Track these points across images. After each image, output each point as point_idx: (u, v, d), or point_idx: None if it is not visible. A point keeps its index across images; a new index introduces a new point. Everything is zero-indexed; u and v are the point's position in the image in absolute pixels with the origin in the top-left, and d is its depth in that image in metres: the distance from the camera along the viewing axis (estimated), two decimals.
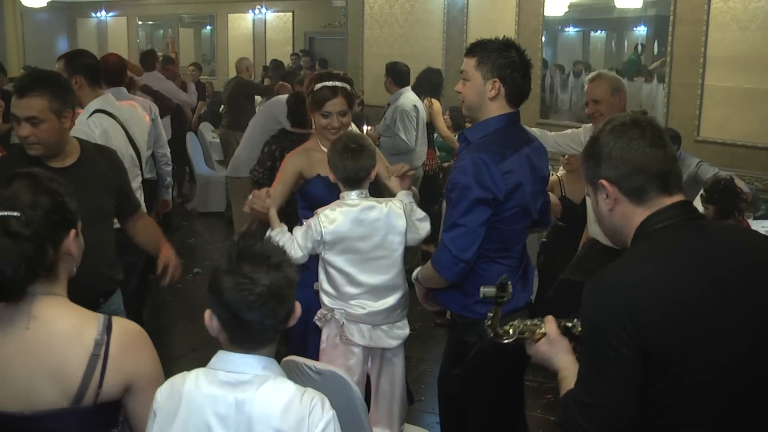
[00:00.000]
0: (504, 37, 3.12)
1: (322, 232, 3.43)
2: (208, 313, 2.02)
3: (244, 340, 2.02)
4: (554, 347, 2.19)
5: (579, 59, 9.23)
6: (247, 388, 1.99)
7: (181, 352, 5.50)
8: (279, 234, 3.48)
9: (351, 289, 3.51)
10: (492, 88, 3.03)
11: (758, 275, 1.93)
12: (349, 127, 4.00)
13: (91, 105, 4.49)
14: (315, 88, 3.83)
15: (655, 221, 1.95)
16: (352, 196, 3.49)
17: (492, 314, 2.28)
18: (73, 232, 2.15)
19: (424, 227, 3.60)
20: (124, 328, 2.10)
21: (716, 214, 4.34)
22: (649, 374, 1.85)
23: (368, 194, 3.53)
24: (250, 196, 3.64)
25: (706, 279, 1.87)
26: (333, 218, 3.45)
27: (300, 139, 5.56)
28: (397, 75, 7.08)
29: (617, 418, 1.88)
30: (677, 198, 1.98)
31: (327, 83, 3.83)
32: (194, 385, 2.04)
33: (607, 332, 1.85)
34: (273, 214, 3.56)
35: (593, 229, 4.48)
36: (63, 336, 2.02)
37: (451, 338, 3.33)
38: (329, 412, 2.02)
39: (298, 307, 2.07)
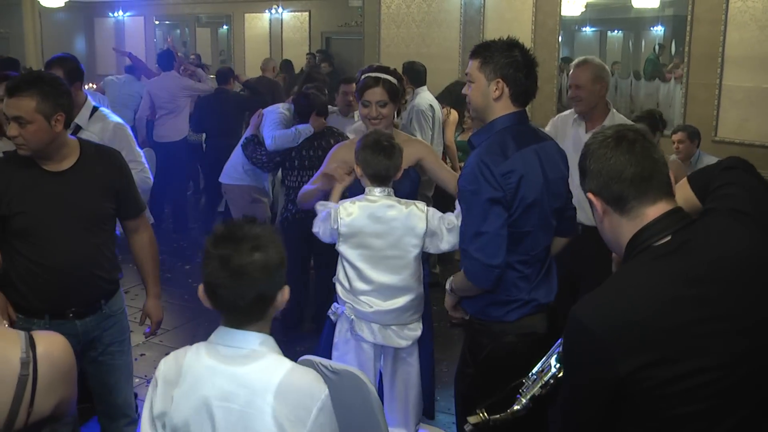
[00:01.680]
0: (508, 37, 3.12)
1: (338, 221, 3.48)
2: (200, 287, 2.11)
3: (228, 316, 2.10)
4: None
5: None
6: (245, 362, 2.07)
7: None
8: (322, 206, 3.66)
9: (361, 285, 3.52)
10: (496, 88, 3.03)
11: (743, 275, 1.91)
12: (393, 122, 4.02)
13: (89, 103, 4.54)
14: (361, 78, 3.96)
15: (643, 239, 1.96)
16: (375, 192, 3.52)
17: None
18: None
19: (449, 241, 3.52)
20: (48, 342, 2.02)
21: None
22: (623, 404, 1.90)
23: (392, 193, 3.55)
24: (335, 165, 3.78)
25: (686, 297, 1.86)
26: (351, 211, 3.49)
27: (316, 133, 5.60)
28: (413, 74, 7.07)
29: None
30: (662, 206, 1.98)
31: (371, 74, 3.93)
32: (195, 358, 2.12)
33: (584, 379, 1.95)
34: (338, 189, 3.70)
35: None
36: None
37: (466, 338, 3.33)
38: (325, 391, 2.08)
39: (285, 291, 2.11)
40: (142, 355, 5.60)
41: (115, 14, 19.30)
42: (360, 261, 3.52)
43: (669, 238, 1.94)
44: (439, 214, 3.55)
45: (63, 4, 14.42)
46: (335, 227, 3.50)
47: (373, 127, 3.86)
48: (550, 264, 3.24)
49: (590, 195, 2.05)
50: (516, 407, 2.49)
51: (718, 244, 1.96)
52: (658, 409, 1.86)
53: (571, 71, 4.63)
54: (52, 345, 2.01)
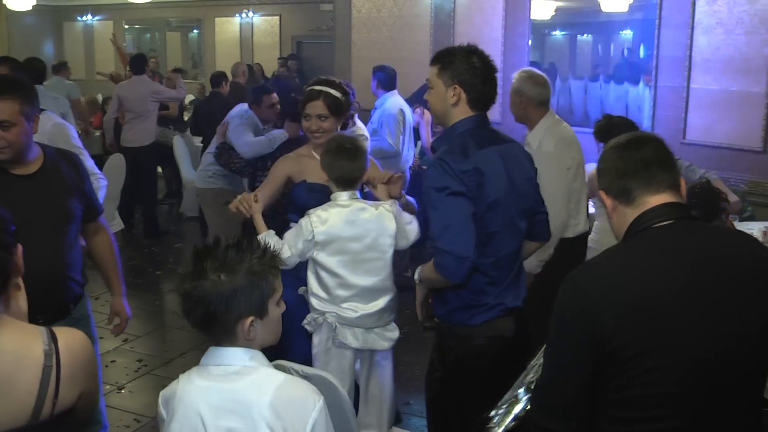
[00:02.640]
0: (468, 44, 3.16)
1: (313, 232, 3.45)
2: None
3: (206, 335, 2.14)
4: None
5: (567, 62, 9.28)
6: (237, 378, 2.08)
7: (170, 356, 5.50)
8: (267, 237, 3.49)
9: (342, 292, 3.52)
10: (453, 94, 3.07)
11: (737, 276, 1.99)
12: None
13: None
14: (305, 90, 3.95)
15: (642, 221, 2.07)
16: (343, 197, 3.51)
17: None
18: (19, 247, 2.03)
19: (413, 230, 3.62)
20: (69, 335, 2.03)
21: (700, 218, 4.37)
22: (608, 369, 1.95)
23: (359, 196, 3.55)
24: (239, 197, 3.64)
25: (678, 278, 1.95)
26: (325, 218, 3.47)
27: (290, 142, 5.59)
28: (384, 78, 7.08)
29: (558, 403, 2.05)
30: (665, 197, 2.07)
31: (315, 87, 3.92)
32: (187, 381, 2.14)
33: (571, 335, 2.00)
34: (258, 219, 3.57)
35: None
36: (10, 353, 1.90)
37: (435, 342, 3.35)
38: (320, 400, 2.09)
39: (245, 321, 2.09)
40: (112, 361, 5.56)
41: (84, 18, 19.17)
42: (340, 267, 3.51)
43: (671, 221, 2.05)
44: (399, 210, 3.61)
45: (31, 8, 14.29)
46: (309, 238, 3.48)
47: (315, 141, 3.87)
48: (519, 269, 3.26)
49: (602, 193, 2.18)
50: None
51: (717, 239, 2.10)
52: (632, 384, 1.93)
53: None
54: (72, 338, 2.03)
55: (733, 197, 4.93)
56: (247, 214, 3.57)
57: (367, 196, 3.67)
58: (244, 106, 6.39)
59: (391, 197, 3.64)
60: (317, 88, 3.91)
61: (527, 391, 2.42)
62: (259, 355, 2.15)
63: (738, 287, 1.97)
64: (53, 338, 1.97)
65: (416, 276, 3.29)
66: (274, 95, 6.32)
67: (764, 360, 2.03)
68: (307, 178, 3.80)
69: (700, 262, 1.98)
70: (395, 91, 7.12)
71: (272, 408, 2.03)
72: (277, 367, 2.96)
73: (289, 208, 3.92)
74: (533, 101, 4.54)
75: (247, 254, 2.10)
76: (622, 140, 2.18)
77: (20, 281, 2.04)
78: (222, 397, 2.07)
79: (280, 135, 5.62)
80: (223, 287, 2.05)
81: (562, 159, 4.52)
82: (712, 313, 1.93)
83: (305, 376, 2.91)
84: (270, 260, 2.14)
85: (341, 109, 3.94)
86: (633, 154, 2.11)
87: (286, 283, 3.77)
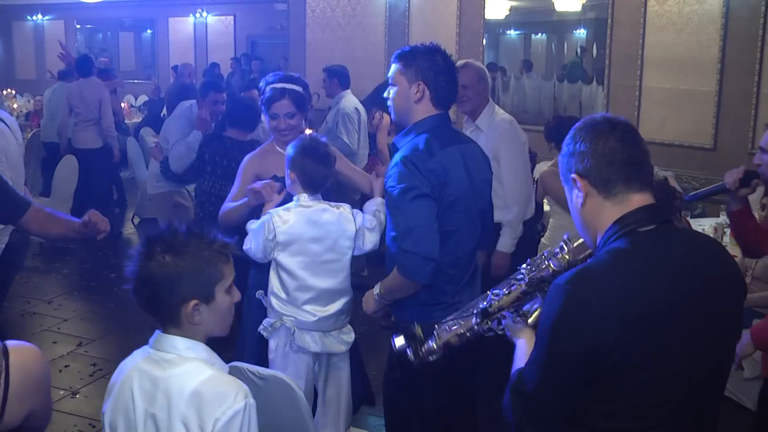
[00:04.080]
0: (430, 42, 3.19)
1: (275, 231, 3.43)
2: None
3: (154, 317, 2.17)
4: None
5: (521, 60, 9.34)
6: (168, 366, 2.11)
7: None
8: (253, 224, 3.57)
9: (301, 294, 3.50)
10: (417, 91, 3.09)
11: (718, 281, 1.98)
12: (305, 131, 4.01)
13: None
14: (266, 90, 3.91)
15: (627, 223, 1.96)
16: (306, 198, 3.50)
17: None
18: None
19: (371, 240, 3.57)
20: (23, 353, 1.98)
21: None
22: (604, 380, 1.89)
23: (321, 197, 3.54)
24: (266, 183, 3.63)
25: (674, 286, 1.90)
26: (286, 218, 3.46)
27: (234, 144, 5.48)
28: (340, 77, 7.07)
29: (549, 415, 1.97)
30: (646, 198, 2.00)
31: (276, 85, 3.89)
32: (131, 360, 2.20)
33: (565, 347, 1.90)
34: (268, 209, 3.56)
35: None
36: None
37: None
38: (241, 402, 2.05)
39: (188, 305, 2.11)
40: (66, 366, 5.47)
41: (34, 18, 18.87)
42: (300, 269, 3.49)
43: (653, 227, 1.97)
44: (362, 214, 3.59)
45: None
46: (270, 237, 3.46)
47: (283, 139, 3.86)
48: (475, 268, 3.28)
49: (575, 176, 2.03)
50: (432, 345, 2.56)
51: (693, 244, 2.05)
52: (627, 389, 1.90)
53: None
54: (26, 355, 1.98)
55: (678, 189, 5.00)
56: (269, 199, 3.58)
57: (327, 196, 3.65)
58: (185, 105, 6.31)
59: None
60: (280, 86, 3.89)
61: (481, 315, 2.43)
62: (200, 347, 2.16)
63: (719, 294, 1.97)
64: (5, 354, 1.92)
65: (376, 292, 3.26)
66: (223, 94, 6.25)
67: (729, 365, 2.07)
68: (276, 172, 3.80)
69: (689, 271, 1.94)
70: (349, 90, 7.12)
71: (190, 402, 2.04)
72: (232, 369, 2.95)
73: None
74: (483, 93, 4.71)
75: (196, 239, 2.13)
76: (602, 122, 2.04)
77: None
78: (151, 384, 2.10)
79: (195, 137, 5.54)
80: (168, 269, 2.07)
81: (517, 133, 4.70)
82: (705, 321, 1.92)
83: (261, 378, 2.90)
84: (220, 247, 2.16)
85: (305, 104, 3.95)
86: (623, 146, 1.99)
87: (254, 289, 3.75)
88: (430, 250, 2.95)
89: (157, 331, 2.19)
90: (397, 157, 3.05)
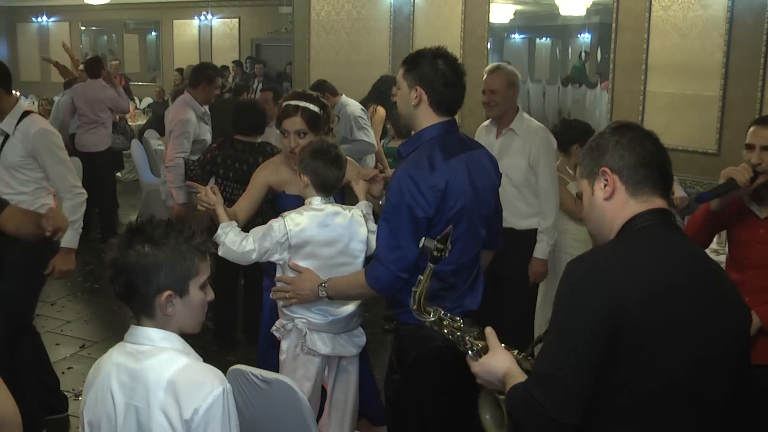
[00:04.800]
0: (438, 46, 3.14)
1: (287, 234, 3.41)
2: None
3: (129, 307, 2.22)
4: (500, 362, 2.22)
5: (524, 66, 9.35)
6: (144, 358, 2.15)
7: None
8: (227, 227, 3.50)
9: None
10: (415, 96, 3.05)
11: (718, 283, 2.09)
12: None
13: (17, 109, 4.40)
14: (282, 105, 3.86)
15: (641, 221, 2.07)
16: (318, 201, 3.49)
17: (423, 278, 2.47)
18: None
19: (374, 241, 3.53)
20: None
21: None
22: (615, 361, 1.91)
23: (333, 200, 3.54)
24: (198, 196, 3.63)
25: (687, 276, 2.00)
26: (299, 221, 3.44)
27: (246, 147, 5.52)
28: (328, 89, 6.85)
29: (574, 393, 1.92)
30: (663, 203, 2.12)
31: (291, 101, 3.83)
32: (107, 357, 2.25)
33: (587, 311, 1.92)
34: (219, 210, 3.56)
35: None
36: None
37: (393, 345, 3.34)
38: (218, 388, 2.09)
39: (162, 295, 2.15)
40: (69, 368, 5.48)
41: (39, 19, 18.90)
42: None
43: (666, 225, 2.10)
44: (370, 215, 3.59)
45: None
46: (283, 240, 3.44)
47: (292, 158, 3.77)
48: (477, 272, 3.26)
49: (606, 170, 2.11)
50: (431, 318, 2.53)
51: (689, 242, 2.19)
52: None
53: (485, 77, 4.75)
54: None
55: (681, 192, 5.05)
56: (211, 207, 3.56)
57: (337, 200, 3.64)
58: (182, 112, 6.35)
59: (373, 196, 3.64)
60: (294, 103, 3.81)
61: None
62: (174, 337, 2.20)
63: (721, 288, 2.08)
64: None
65: (323, 293, 3.30)
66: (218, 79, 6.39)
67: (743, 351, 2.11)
68: (286, 189, 3.79)
69: (698, 261, 2.07)
70: (344, 95, 7.06)
71: (168, 390, 2.07)
72: (235, 372, 2.96)
73: (270, 215, 3.87)
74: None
75: (175, 233, 2.17)
76: (642, 132, 2.16)
77: None
78: (129, 377, 2.14)
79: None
80: (145, 259, 2.12)
81: (552, 141, 4.81)
82: (706, 314, 1.98)
83: (265, 381, 2.91)
84: (198, 243, 2.21)
85: (319, 124, 3.84)
86: (658, 152, 2.12)
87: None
88: (406, 270, 2.96)
89: (132, 326, 2.24)
90: (401, 169, 3.03)
